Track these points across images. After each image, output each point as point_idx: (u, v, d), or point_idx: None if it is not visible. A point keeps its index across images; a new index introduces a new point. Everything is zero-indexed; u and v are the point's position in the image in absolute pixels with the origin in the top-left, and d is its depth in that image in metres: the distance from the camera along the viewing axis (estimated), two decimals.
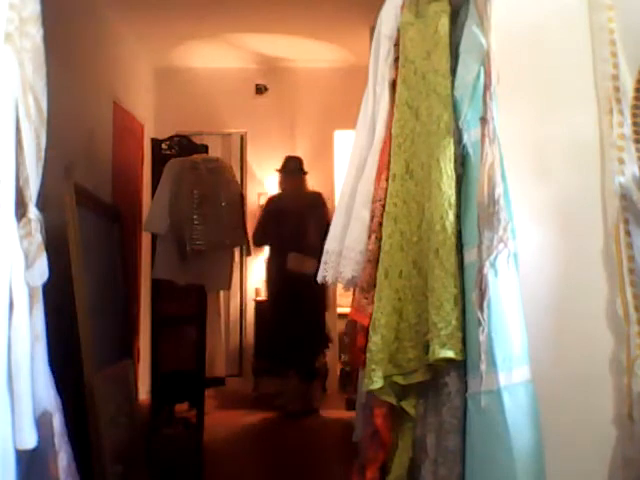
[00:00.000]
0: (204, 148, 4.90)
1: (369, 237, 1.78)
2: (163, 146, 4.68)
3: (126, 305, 3.92)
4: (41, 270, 1.55)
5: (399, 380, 1.66)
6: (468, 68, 1.67)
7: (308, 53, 5.80)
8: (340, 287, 2.02)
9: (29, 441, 1.46)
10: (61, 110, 2.41)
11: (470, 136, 1.64)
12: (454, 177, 1.63)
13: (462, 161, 1.67)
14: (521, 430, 1.49)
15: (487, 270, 1.53)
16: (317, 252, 4.74)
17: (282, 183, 5.48)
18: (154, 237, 4.43)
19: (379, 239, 1.74)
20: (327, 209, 5.21)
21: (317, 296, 5.26)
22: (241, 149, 6.28)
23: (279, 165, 5.51)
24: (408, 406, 1.69)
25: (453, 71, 1.70)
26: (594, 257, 1.73)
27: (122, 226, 4.02)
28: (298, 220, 5.19)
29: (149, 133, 5.53)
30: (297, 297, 5.11)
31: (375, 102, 1.88)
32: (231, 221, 4.52)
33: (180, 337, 4.47)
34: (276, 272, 5.31)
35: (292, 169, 5.37)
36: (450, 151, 1.64)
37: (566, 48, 1.79)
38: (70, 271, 2.88)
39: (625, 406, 1.64)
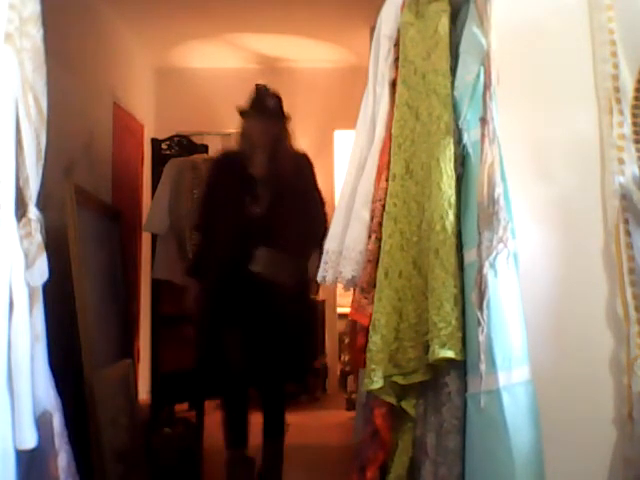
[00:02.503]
0: (204, 148, 4.90)
1: (369, 237, 1.78)
2: (163, 146, 4.68)
3: (126, 305, 3.91)
4: (41, 270, 1.55)
5: (399, 380, 1.66)
6: (468, 68, 1.67)
7: (308, 53, 5.79)
8: (340, 287, 2.02)
9: (29, 441, 1.47)
10: (61, 110, 2.42)
11: (470, 136, 1.65)
12: (454, 177, 1.63)
13: (462, 161, 1.67)
14: (521, 430, 1.49)
15: (487, 270, 1.53)
16: (300, 247, 3.09)
17: (246, 133, 3.26)
18: (154, 237, 4.43)
19: (379, 239, 1.74)
20: (315, 177, 3.38)
21: (301, 318, 3.32)
22: None
23: None
24: (408, 406, 1.69)
25: (453, 71, 1.71)
26: (594, 257, 1.73)
27: (122, 226, 4.02)
28: (272, 195, 3.16)
29: (149, 133, 5.52)
30: (265, 319, 3.13)
31: (375, 102, 1.88)
32: None
33: (180, 337, 4.47)
34: (225, 276, 3.16)
35: (266, 108, 3.25)
36: (450, 151, 1.64)
37: (566, 48, 1.80)
38: (70, 271, 2.88)
39: (625, 406, 1.64)
